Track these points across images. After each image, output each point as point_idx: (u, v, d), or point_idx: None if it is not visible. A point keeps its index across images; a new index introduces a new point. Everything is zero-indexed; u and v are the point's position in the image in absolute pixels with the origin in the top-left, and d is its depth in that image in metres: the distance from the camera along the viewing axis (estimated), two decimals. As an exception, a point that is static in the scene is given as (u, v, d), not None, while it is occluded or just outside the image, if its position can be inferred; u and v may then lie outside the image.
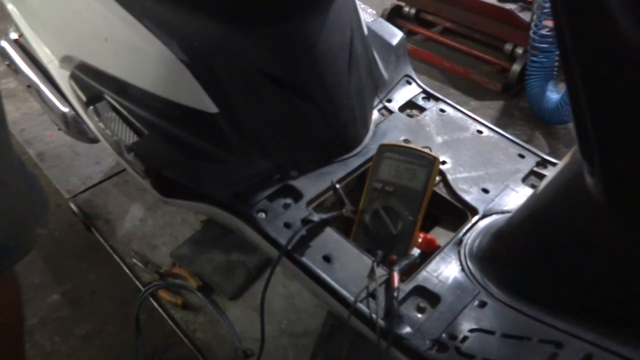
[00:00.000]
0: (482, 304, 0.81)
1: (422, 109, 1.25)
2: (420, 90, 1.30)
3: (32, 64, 1.36)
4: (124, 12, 1.05)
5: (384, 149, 1.04)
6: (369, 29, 1.27)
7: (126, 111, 1.09)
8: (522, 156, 1.11)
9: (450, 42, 2.57)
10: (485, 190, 1.03)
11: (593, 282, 0.72)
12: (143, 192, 1.60)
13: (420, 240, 0.96)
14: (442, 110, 1.24)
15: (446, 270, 0.88)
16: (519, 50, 2.29)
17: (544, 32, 1.93)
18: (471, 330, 0.78)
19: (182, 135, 1.05)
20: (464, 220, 0.99)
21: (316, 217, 0.94)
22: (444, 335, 0.78)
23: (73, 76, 1.17)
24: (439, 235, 1.00)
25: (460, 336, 0.77)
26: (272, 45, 1.03)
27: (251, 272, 1.33)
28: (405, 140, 1.15)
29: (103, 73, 1.12)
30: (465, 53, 2.52)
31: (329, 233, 0.95)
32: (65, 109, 1.25)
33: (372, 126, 1.19)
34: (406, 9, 2.71)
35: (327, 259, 0.91)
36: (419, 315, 0.82)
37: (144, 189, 1.17)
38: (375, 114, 1.22)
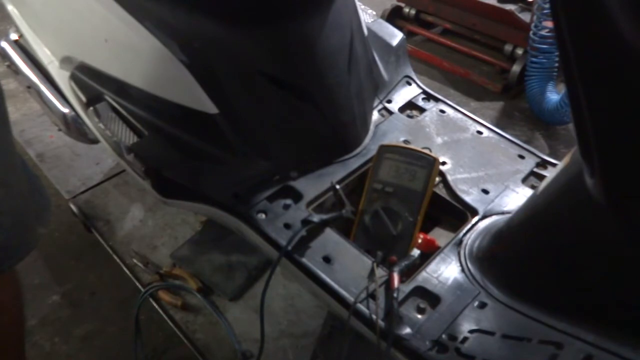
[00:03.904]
0: (482, 305, 0.81)
1: (422, 110, 1.25)
2: (420, 91, 1.30)
3: (32, 64, 1.36)
4: (123, 13, 1.05)
5: (384, 149, 1.04)
6: (369, 29, 1.27)
7: (126, 112, 1.09)
8: (522, 157, 1.11)
9: (450, 43, 2.58)
10: (485, 191, 1.03)
11: (593, 283, 0.72)
12: (143, 193, 1.60)
13: (420, 241, 0.96)
14: (442, 111, 1.24)
15: (446, 271, 0.88)
16: (519, 51, 2.29)
17: (543, 33, 1.93)
18: (471, 331, 0.78)
19: (182, 136, 1.05)
20: (463, 221, 0.99)
21: (316, 218, 0.94)
22: (444, 336, 0.78)
23: (73, 77, 1.17)
24: (439, 236, 1.00)
25: (460, 337, 0.77)
26: (272, 46, 1.03)
27: (251, 273, 1.33)
28: (405, 141, 1.15)
29: (103, 74, 1.13)
30: (465, 54, 2.53)
31: (329, 234, 0.95)
32: (66, 110, 1.25)
33: (372, 127, 1.19)
34: (406, 9, 2.71)
35: (327, 259, 0.91)
36: (419, 316, 0.82)
37: (144, 189, 1.17)
38: (375, 115, 1.22)
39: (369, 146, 1.14)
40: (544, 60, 1.99)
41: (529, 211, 0.82)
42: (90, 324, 1.41)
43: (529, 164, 1.09)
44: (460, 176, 1.06)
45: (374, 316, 0.81)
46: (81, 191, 1.64)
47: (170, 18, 1.03)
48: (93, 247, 1.55)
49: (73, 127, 1.26)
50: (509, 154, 1.12)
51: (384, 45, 1.29)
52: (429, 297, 0.85)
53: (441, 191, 1.04)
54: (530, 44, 2.00)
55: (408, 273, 0.89)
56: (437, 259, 0.91)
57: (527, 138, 2.08)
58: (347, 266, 0.90)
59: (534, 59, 2.02)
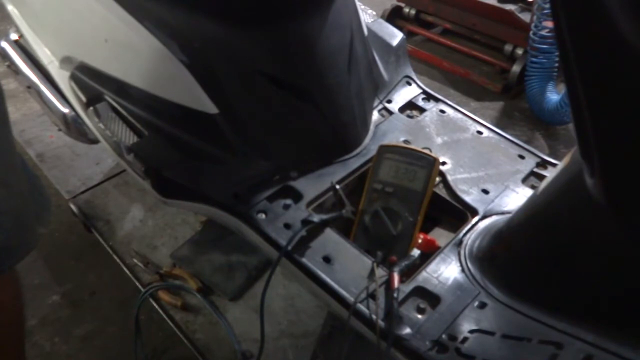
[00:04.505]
0: (482, 305, 0.81)
1: (422, 110, 1.25)
2: (420, 91, 1.30)
3: (32, 64, 1.36)
4: (124, 13, 1.05)
5: (384, 149, 1.04)
6: (369, 29, 1.27)
7: (126, 112, 1.09)
8: (522, 157, 1.11)
9: (450, 43, 2.58)
10: (485, 191, 1.03)
11: (593, 283, 0.72)
12: (143, 193, 1.60)
13: (420, 241, 0.96)
14: (442, 111, 1.24)
15: (446, 271, 0.88)
16: (519, 51, 2.29)
17: (543, 33, 1.93)
18: (471, 331, 0.78)
19: (182, 136, 1.05)
20: (464, 221, 0.99)
21: (316, 218, 0.94)
22: (444, 336, 0.78)
23: (73, 77, 1.17)
24: (439, 236, 1.00)
25: (460, 337, 0.77)
26: (272, 46, 1.03)
27: (251, 273, 1.33)
28: (405, 141, 1.15)
29: (103, 74, 1.13)
30: (465, 54, 2.53)
31: (329, 234, 0.95)
32: (66, 110, 1.25)
33: (372, 127, 1.19)
34: (406, 9, 2.72)
35: (327, 259, 0.91)
36: (419, 316, 0.82)
37: (144, 189, 1.17)
38: (375, 115, 1.22)
39: (369, 146, 1.14)
40: (544, 60, 1.99)
41: (529, 211, 0.82)
42: (90, 324, 1.41)
43: (529, 164, 1.09)
44: (460, 176, 1.06)
45: (374, 316, 0.81)
46: (81, 191, 1.64)
47: (170, 18, 1.03)
48: (93, 247, 1.55)
49: (73, 127, 1.26)
50: (509, 154, 1.12)
51: (384, 45, 1.29)
52: (429, 297, 0.85)
53: (441, 191, 1.04)
54: (530, 44, 2.00)
55: (408, 273, 0.89)
56: (437, 259, 0.91)
57: (527, 138, 2.08)
58: (347, 266, 0.90)
59: (534, 59, 2.02)
